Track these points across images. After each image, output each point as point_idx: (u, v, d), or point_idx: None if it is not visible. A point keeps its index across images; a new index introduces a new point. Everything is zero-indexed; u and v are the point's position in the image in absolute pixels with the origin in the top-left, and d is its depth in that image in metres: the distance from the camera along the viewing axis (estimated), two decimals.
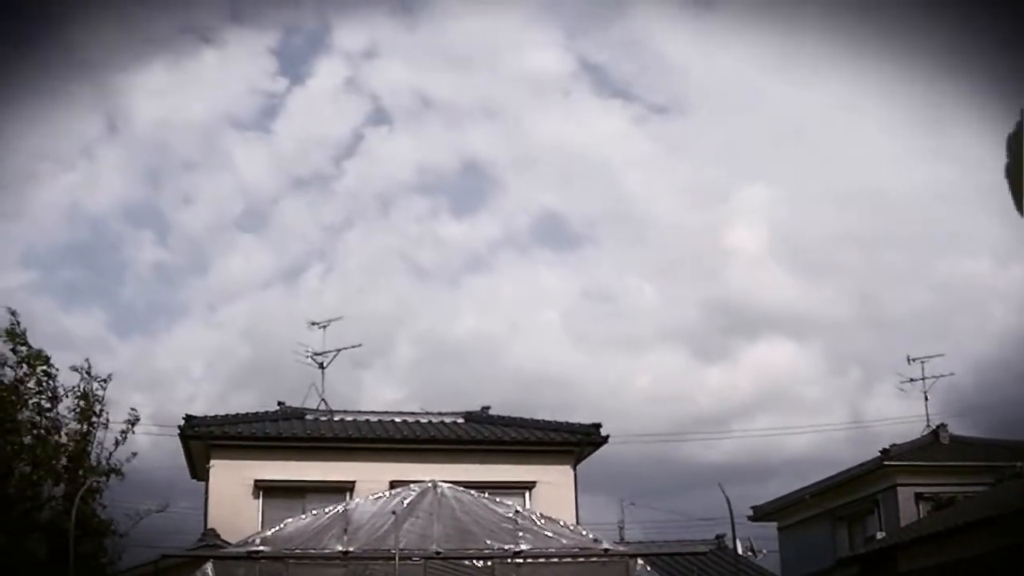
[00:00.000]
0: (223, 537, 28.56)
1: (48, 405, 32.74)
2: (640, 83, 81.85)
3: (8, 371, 32.40)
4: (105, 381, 33.91)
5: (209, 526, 30.25)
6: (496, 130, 77.92)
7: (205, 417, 33.16)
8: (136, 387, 68.74)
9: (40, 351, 32.88)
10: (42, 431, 32.56)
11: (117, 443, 33.40)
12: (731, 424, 79.96)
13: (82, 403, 32.95)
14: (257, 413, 34.57)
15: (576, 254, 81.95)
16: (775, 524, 45.69)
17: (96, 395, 33.07)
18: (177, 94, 68.28)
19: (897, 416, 65.18)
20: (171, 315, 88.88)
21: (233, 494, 31.33)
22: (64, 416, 33.03)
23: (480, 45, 71.61)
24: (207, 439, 32.18)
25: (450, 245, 77.67)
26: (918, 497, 36.78)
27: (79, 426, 32.86)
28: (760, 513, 44.87)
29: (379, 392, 68.33)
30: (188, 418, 32.58)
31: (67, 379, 33.64)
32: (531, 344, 71.19)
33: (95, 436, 33.01)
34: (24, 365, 32.35)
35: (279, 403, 35.58)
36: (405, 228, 77.35)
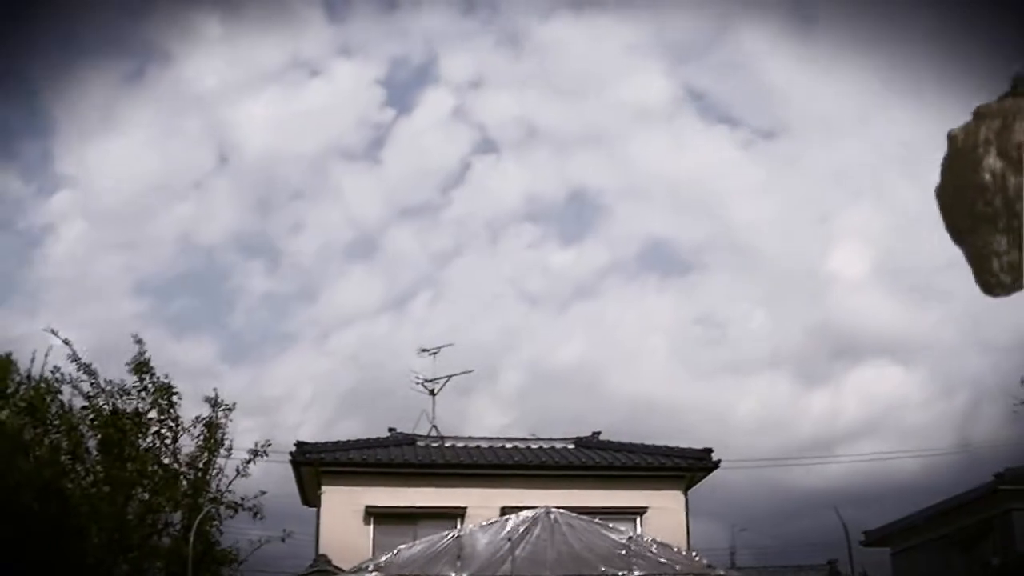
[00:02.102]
0: (335, 563, 28.68)
1: (169, 434, 33.17)
2: (745, 108, 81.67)
3: (131, 401, 32.89)
4: (230, 409, 34.33)
5: (321, 552, 30.36)
6: (602, 158, 78.00)
7: (316, 444, 33.29)
8: (246, 414, 69.22)
9: (167, 383, 33.30)
10: (164, 459, 32.98)
11: (238, 472, 33.77)
12: (838, 449, 79.27)
13: (207, 431, 33.34)
14: (368, 439, 34.70)
15: (684, 280, 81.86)
16: (887, 549, 45.29)
17: (220, 423, 33.49)
18: (287, 125, 69.05)
19: (1008, 440, 64.35)
20: (281, 343, 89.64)
21: (344, 520, 31.42)
22: (187, 445, 33.49)
23: (584, 74, 71.82)
24: (318, 465, 32.30)
25: (558, 272, 77.73)
26: None
27: (202, 454, 33.24)
28: (873, 538, 44.43)
29: (486, 419, 68.51)
30: (299, 444, 32.73)
31: (187, 408, 34.11)
32: (639, 370, 71.00)
33: (216, 464, 33.41)
34: (146, 394, 32.80)
35: (390, 429, 35.71)
36: (513, 256, 77.58)
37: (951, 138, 4.48)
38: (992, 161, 4.36)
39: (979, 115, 4.44)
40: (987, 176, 4.35)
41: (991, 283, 4.58)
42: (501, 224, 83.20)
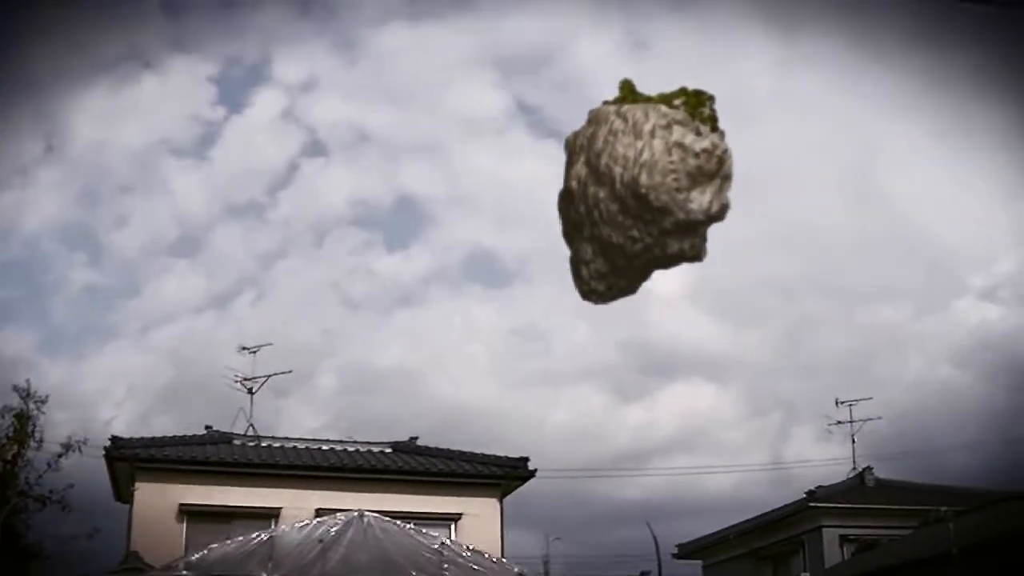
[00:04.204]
0: (146, 561, 28.31)
1: None
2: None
3: None
4: (43, 402, 33.85)
5: (132, 549, 29.96)
6: (431, 166, 78.46)
7: (131, 439, 32.86)
8: (60, 407, 68.07)
9: None
10: None
11: (49, 465, 33.31)
12: (651, 462, 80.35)
13: (17, 423, 32.88)
14: (184, 436, 34.36)
15: (506, 291, 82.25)
16: (700, 562, 45.90)
17: (31, 415, 33.03)
18: (116, 118, 68.34)
19: (818, 459, 65.77)
20: (100, 337, 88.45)
21: (157, 518, 31.05)
22: None
23: (417, 82, 72.17)
24: (132, 461, 31.87)
25: (382, 278, 77.77)
26: (843, 539, 37.01)
27: (11, 446, 32.76)
28: (685, 551, 45.05)
29: (303, 420, 68.50)
30: (114, 439, 32.30)
31: None
32: (458, 378, 71.40)
33: (25, 456, 32.93)
34: None
35: (206, 427, 35.40)
36: (338, 259, 77.28)
37: (567, 142, 4.62)
38: (579, 168, 4.49)
39: (589, 119, 4.57)
40: (574, 183, 4.49)
41: (585, 291, 4.74)
42: (327, 227, 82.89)
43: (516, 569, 27.07)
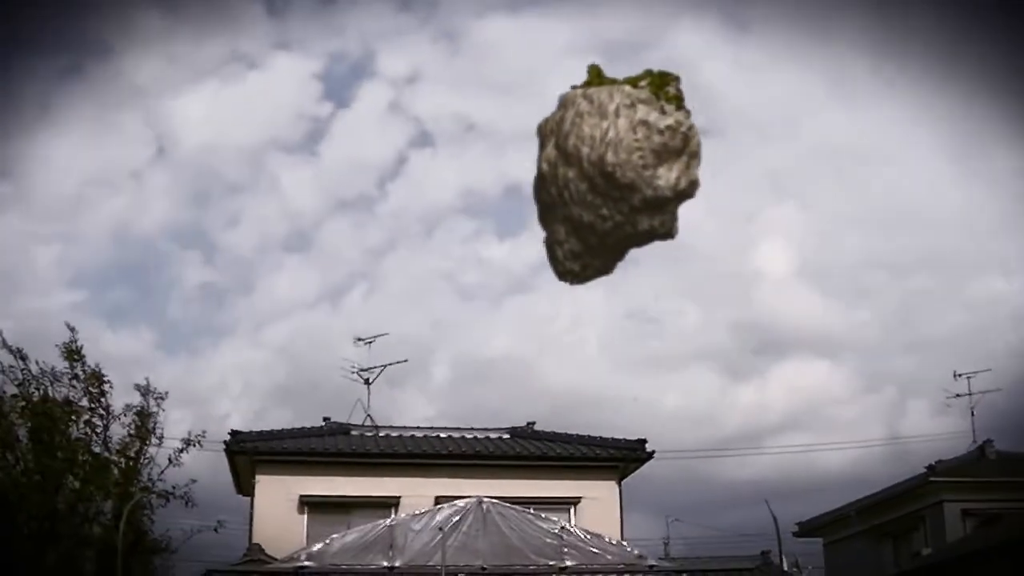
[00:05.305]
0: (268, 552, 28.58)
1: (100, 422, 33.13)
2: None
3: (62, 388, 32.84)
4: (162, 398, 34.33)
5: (254, 541, 30.25)
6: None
7: (251, 433, 33.13)
8: (179, 403, 69.06)
9: (97, 370, 33.28)
10: (94, 447, 32.92)
11: (170, 461, 33.78)
12: (765, 442, 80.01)
13: (138, 420, 33.34)
14: (303, 428, 34.57)
15: (616, 276, 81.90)
16: (820, 540, 45.58)
17: (152, 412, 33.49)
18: (224, 118, 69.10)
19: (935, 433, 65.08)
20: (216, 334, 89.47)
21: (278, 510, 31.29)
22: (118, 433, 33.49)
23: (520, 71, 72.25)
24: (253, 455, 32.16)
25: (493, 266, 77.81)
26: (964, 513, 36.52)
27: (133, 443, 33.21)
28: (806, 529, 44.72)
29: (418, 409, 68.61)
30: (234, 433, 32.57)
31: (119, 396, 34.09)
32: (570, 363, 71.28)
33: (147, 453, 33.40)
34: (77, 382, 32.74)
35: (324, 419, 35.54)
36: (448, 249, 77.55)
37: (538, 128, 4.65)
38: (549, 151, 4.51)
39: (559, 104, 4.60)
40: (545, 165, 4.51)
41: (561, 271, 4.73)
42: (436, 218, 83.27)
43: (636, 551, 27.10)
